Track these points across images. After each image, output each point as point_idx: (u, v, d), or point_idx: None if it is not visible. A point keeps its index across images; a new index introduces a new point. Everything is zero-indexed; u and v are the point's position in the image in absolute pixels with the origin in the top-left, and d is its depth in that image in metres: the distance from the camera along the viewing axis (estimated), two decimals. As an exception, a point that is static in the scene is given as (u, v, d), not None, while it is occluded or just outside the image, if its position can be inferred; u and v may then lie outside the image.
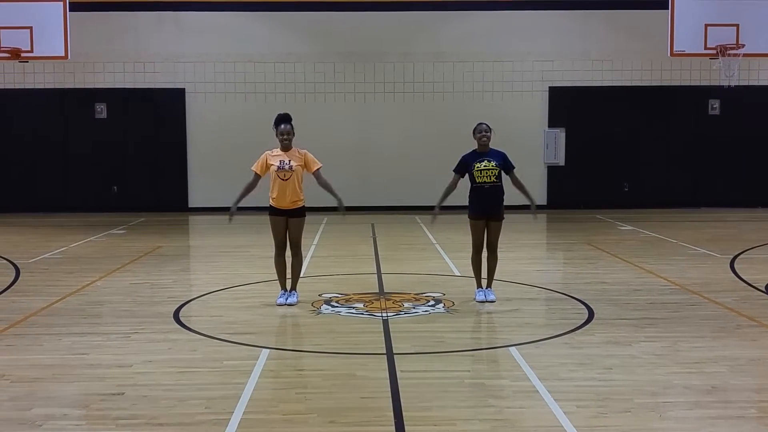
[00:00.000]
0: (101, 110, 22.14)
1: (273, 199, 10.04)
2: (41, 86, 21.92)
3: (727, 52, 17.97)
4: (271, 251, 10.25)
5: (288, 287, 10.32)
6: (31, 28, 17.68)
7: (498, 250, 10.40)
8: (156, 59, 22.05)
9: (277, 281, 10.37)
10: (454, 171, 10.41)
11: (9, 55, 18.00)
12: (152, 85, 22.07)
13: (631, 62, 22.25)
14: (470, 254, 10.42)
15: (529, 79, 22.24)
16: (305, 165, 10.07)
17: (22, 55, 17.94)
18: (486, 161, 10.14)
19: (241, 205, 10.35)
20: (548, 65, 22.24)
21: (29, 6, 17.83)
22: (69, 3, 17.92)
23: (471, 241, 10.42)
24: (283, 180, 9.93)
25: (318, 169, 10.15)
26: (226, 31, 22.03)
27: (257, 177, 10.23)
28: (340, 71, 22.23)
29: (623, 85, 22.31)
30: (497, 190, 10.20)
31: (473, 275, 10.54)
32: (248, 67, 22.08)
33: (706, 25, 17.90)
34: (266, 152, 10.17)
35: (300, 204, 10.08)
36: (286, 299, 10.19)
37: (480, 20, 22.21)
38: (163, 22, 22.06)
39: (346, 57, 22.18)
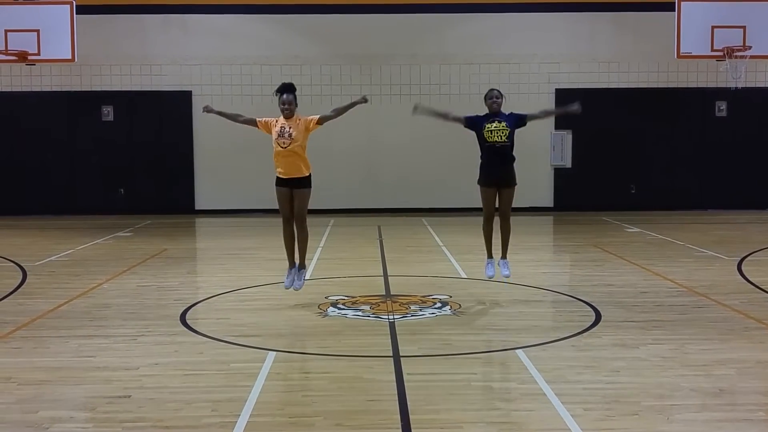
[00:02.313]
0: (108, 113, 22.18)
1: (277, 170, 9.96)
2: (48, 89, 21.97)
3: (734, 53, 17.93)
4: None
5: (296, 262, 10.30)
6: (38, 31, 17.70)
7: (510, 221, 10.39)
8: (163, 62, 22.08)
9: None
10: (464, 116, 10.44)
11: (16, 58, 18.03)
12: (159, 88, 22.11)
13: (638, 64, 22.21)
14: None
15: (535, 81, 22.21)
16: (306, 128, 9.90)
17: (30, 57, 17.96)
18: (497, 122, 10.18)
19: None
20: (555, 67, 22.21)
21: (36, 9, 17.87)
22: (76, 6, 17.94)
23: (482, 213, 10.42)
24: (282, 148, 9.79)
25: (319, 118, 9.98)
26: (233, 33, 22.05)
27: (252, 121, 10.11)
28: (347, 73, 22.24)
29: (630, 87, 22.27)
30: (507, 150, 10.21)
31: (484, 246, 10.53)
32: (255, 69, 22.09)
33: (713, 27, 17.86)
34: (272, 118, 10.07)
35: (304, 173, 9.94)
36: (293, 281, 10.17)
37: (486, 22, 22.20)
38: (169, 25, 22.09)
39: (353, 59, 22.19)
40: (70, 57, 18.07)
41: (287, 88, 9.93)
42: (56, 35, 17.75)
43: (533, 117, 10.51)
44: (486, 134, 10.16)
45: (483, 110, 10.49)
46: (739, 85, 18.79)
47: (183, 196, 22.28)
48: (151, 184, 22.28)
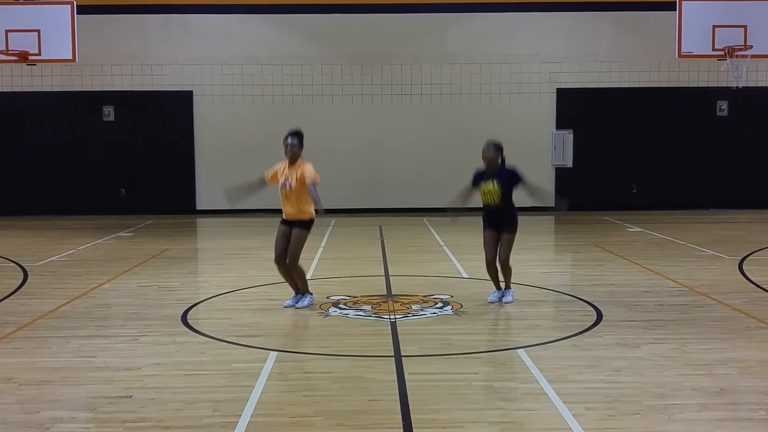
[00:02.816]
0: (109, 113, 22.19)
1: (283, 209, 10.14)
2: (49, 89, 21.98)
3: (735, 53, 17.92)
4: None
5: (299, 292, 10.36)
6: (39, 31, 17.71)
7: (510, 262, 10.24)
8: (164, 62, 22.09)
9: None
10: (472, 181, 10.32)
11: (17, 58, 18.04)
12: (160, 88, 22.13)
13: (639, 64, 22.22)
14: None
15: (536, 81, 22.21)
16: (302, 181, 9.94)
17: (30, 58, 17.97)
18: (490, 182, 10.04)
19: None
20: (556, 67, 22.21)
21: (37, 9, 17.88)
22: (77, 6, 17.95)
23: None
24: (284, 197, 10.04)
25: (311, 182, 9.90)
26: (234, 33, 22.05)
27: (263, 182, 10.37)
28: (348, 73, 22.24)
29: (631, 86, 22.27)
30: (501, 211, 10.10)
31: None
32: (256, 69, 22.10)
33: (714, 27, 17.85)
34: (280, 164, 10.16)
35: (304, 217, 10.06)
36: (296, 302, 10.19)
37: (488, 22, 22.21)
38: (170, 25, 22.09)
39: (354, 59, 22.19)
40: (70, 57, 18.08)
41: (292, 134, 10.09)
42: (57, 35, 17.76)
43: (526, 190, 10.26)
44: (480, 195, 10.15)
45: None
46: (740, 85, 18.77)
47: (184, 197, 22.29)
48: (152, 184, 22.29)
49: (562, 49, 22.22)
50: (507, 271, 10.32)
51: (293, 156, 10.01)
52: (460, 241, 15.86)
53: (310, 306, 10.14)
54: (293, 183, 9.93)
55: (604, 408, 6.36)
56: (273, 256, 10.03)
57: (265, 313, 9.93)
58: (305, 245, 10.15)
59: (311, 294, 10.37)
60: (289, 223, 10.10)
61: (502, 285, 10.44)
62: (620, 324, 9.14)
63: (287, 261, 10.02)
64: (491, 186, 10.01)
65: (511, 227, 10.20)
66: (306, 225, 10.10)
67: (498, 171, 10.09)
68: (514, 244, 10.28)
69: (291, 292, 10.33)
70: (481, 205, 10.18)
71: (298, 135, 10.08)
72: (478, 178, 10.20)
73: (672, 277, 11.99)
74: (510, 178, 10.07)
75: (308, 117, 20.78)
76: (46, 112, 22.09)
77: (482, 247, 10.28)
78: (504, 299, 10.37)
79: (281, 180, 10.04)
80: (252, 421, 6.12)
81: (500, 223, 10.16)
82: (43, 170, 22.14)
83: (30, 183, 22.17)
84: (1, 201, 22.05)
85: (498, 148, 10.11)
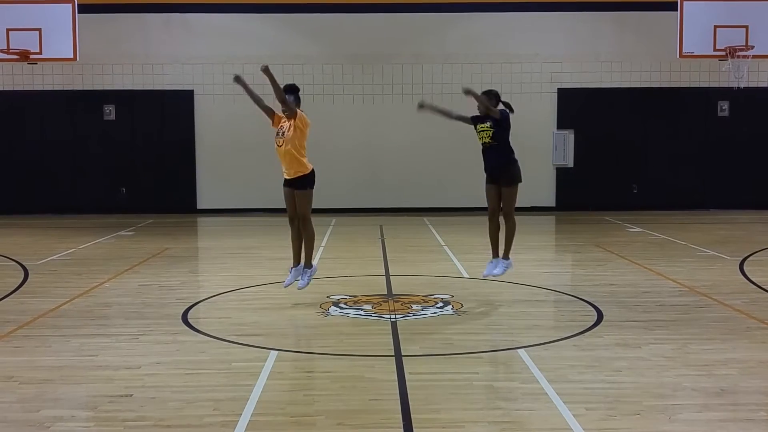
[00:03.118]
0: (110, 112, 22.18)
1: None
2: (50, 88, 21.98)
3: (736, 53, 17.93)
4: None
5: (301, 261, 10.35)
6: (39, 30, 17.73)
7: (513, 215, 10.43)
8: (164, 61, 22.08)
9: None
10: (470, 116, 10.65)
11: (18, 57, 18.05)
12: (161, 87, 22.11)
13: (640, 64, 22.21)
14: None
15: (537, 81, 22.21)
16: (300, 128, 9.92)
17: (31, 56, 17.98)
18: (482, 123, 10.41)
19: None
20: (557, 67, 22.21)
21: (38, 8, 17.88)
22: (78, 5, 17.96)
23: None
24: (278, 146, 9.93)
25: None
26: (235, 33, 22.05)
27: (271, 111, 10.16)
28: (349, 73, 22.24)
29: (632, 86, 22.27)
30: (495, 149, 10.32)
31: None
32: (257, 68, 21.94)
33: (715, 27, 17.86)
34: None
35: (301, 173, 9.97)
36: (292, 280, 10.23)
37: (488, 22, 22.20)
38: (171, 24, 22.09)
39: (355, 59, 22.18)
40: (71, 56, 18.10)
41: (288, 89, 9.97)
42: (58, 34, 17.77)
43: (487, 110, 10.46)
44: (477, 136, 10.48)
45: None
46: (742, 85, 18.79)
47: (185, 195, 22.28)
48: (152, 183, 22.29)
49: (563, 49, 22.21)
50: (508, 228, 10.40)
51: (290, 113, 9.93)
52: (461, 240, 15.85)
53: (307, 305, 10.13)
54: (288, 132, 9.86)
55: (605, 408, 6.35)
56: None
57: (266, 312, 9.93)
58: (313, 201, 10.19)
59: (313, 267, 10.37)
60: (289, 184, 10.07)
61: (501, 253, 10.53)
62: (621, 324, 9.14)
63: (300, 225, 10.11)
64: (483, 125, 10.34)
65: (510, 180, 10.36)
66: (305, 183, 10.03)
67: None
68: (516, 197, 10.46)
69: (290, 289, 10.31)
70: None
71: (293, 90, 9.98)
72: (475, 119, 10.54)
73: (673, 278, 11.99)
74: (502, 115, 10.29)
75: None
76: (46, 111, 22.09)
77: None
78: (495, 270, 10.46)
79: (276, 128, 10.01)
80: (252, 420, 6.12)
81: (499, 175, 10.35)
82: (43, 169, 22.14)
83: (30, 182, 22.17)
84: (2, 200, 22.05)
85: (491, 94, 10.44)
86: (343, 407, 6.42)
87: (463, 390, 6.83)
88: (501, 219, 10.51)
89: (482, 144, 10.42)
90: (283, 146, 9.89)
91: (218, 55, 21.97)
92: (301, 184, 10.02)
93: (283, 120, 10.02)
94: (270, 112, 10.17)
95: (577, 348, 8.17)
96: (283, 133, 9.90)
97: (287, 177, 10.06)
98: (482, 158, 10.51)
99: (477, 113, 10.58)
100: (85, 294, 11.05)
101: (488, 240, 10.76)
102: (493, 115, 10.28)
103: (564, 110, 22.22)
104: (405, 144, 22.18)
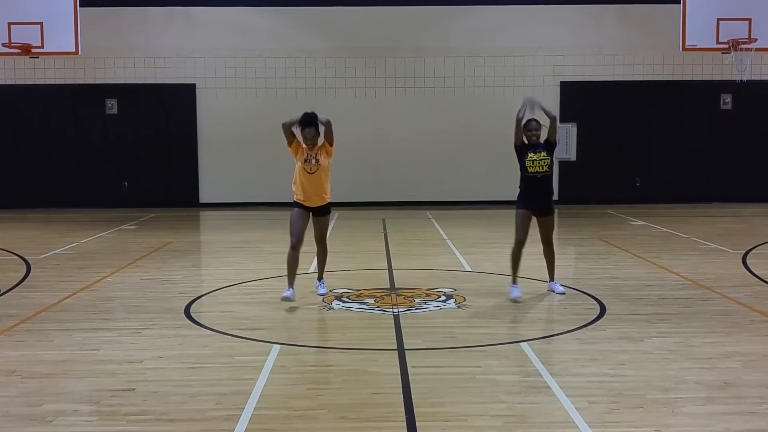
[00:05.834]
0: (112, 106, 22.18)
1: (298, 194, 9.98)
2: (52, 82, 21.96)
3: (740, 46, 17.88)
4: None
5: (317, 277, 10.63)
6: (41, 23, 17.68)
7: (553, 243, 10.40)
8: (167, 54, 22.07)
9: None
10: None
11: (19, 51, 18.01)
12: (163, 81, 22.10)
13: (643, 57, 22.17)
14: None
15: (540, 74, 22.17)
16: (327, 153, 10.00)
17: (33, 50, 17.94)
18: (538, 152, 10.03)
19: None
20: (560, 60, 22.17)
21: (40, 1, 17.80)
22: (79, -2, 17.94)
23: (514, 235, 10.30)
24: (309, 173, 9.89)
25: (326, 140, 10.00)
26: (237, 26, 22.03)
27: (293, 138, 9.93)
28: (351, 66, 22.22)
29: (635, 79, 22.24)
30: (549, 180, 10.16)
31: (510, 269, 10.36)
32: (259, 62, 22.08)
33: (718, 20, 17.80)
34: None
35: (326, 200, 10.08)
36: (289, 296, 9.94)
37: (491, 15, 22.16)
38: (173, 18, 22.07)
39: (357, 52, 22.16)
40: (73, 50, 18.06)
41: (309, 122, 9.85)
42: (60, 28, 17.73)
43: (551, 134, 10.26)
44: (528, 164, 10.05)
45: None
46: (745, 78, 18.75)
47: (187, 190, 22.29)
48: (155, 177, 22.29)
49: (566, 42, 22.17)
50: (551, 254, 10.43)
51: (314, 145, 9.93)
52: (464, 234, 15.82)
53: (309, 298, 10.12)
54: (320, 158, 9.89)
55: (608, 401, 6.35)
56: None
57: (269, 306, 9.92)
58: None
59: (324, 281, 10.60)
60: (315, 211, 10.06)
61: (519, 280, 10.35)
62: (624, 317, 9.13)
63: (319, 245, 10.37)
64: (540, 155, 10.01)
65: (553, 209, 10.27)
66: (329, 210, 10.25)
67: (539, 143, 10.13)
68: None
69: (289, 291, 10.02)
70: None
71: (315, 122, 9.85)
72: (523, 150, 10.12)
73: (676, 271, 11.97)
74: (550, 145, 10.09)
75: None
76: (49, 105, 22.08)
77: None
78: (557, 290, 10.37)
79: (303, 156, 9.90)
80: (255, 414, 6.12)
81: (546, 205, 10.14)
82: (45, 163, 22.16)
83: (33, 176, 22.17)
84: (5, 194, 22.07)
85: (540, 125, 10.16)
86: (346, 401, 6.42)
87: (466, 383, 6.82)
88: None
89: (533, 173, 10.03)
90: (317, 173, 9.89)
91: (220, 48, 21.96)
92: (328, 211, 10.20)
93: (305, 149, 9.94)
94: (292, 136, 9.99)
95: (580, 341, 8.16)
96: (317, 160, 9.88)
97: (311, 204, 10.01)
98: (524, 187, 10.15)
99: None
100: (87, 288, 11.05)
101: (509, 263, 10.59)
102: (553, 141, 10.11)
103: (567, 104, 22.16)
104: (408, 137, 22.16)
